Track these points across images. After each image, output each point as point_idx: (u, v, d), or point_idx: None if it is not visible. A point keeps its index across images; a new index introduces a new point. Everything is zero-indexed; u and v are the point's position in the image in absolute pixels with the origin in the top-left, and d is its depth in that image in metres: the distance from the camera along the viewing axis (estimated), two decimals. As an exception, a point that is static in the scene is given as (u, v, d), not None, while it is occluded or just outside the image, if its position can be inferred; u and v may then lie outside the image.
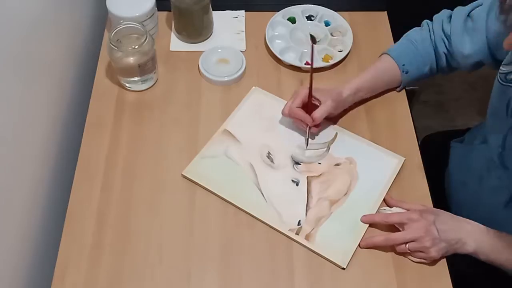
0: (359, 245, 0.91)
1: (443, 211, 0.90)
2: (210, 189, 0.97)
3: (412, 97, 1.08)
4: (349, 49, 1.16)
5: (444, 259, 0.90)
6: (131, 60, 1.05)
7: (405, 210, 0.91)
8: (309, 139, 1.02)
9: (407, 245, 0.87)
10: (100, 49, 1.18)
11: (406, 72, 1.05)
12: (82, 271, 0.89)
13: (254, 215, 0.94)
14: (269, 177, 0.99)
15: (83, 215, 0.94)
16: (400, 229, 0.90)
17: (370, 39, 1.21)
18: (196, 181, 0.97)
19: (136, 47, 1.02)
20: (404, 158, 1.01)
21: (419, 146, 1.04)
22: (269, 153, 1.02)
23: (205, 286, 0.88)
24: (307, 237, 0.92)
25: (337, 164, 1.01)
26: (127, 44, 1.05)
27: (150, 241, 0.92)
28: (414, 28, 1.09)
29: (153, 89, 1.12)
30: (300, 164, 1.01)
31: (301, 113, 0.99)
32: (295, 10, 1.23)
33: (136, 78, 1.08)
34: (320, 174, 1.00)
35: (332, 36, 1.19)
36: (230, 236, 0.93)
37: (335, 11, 1.22)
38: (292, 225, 0.93)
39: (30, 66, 0.95)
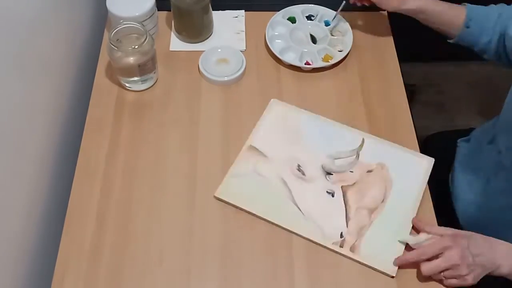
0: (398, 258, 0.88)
1: (475, 233, 0.87)
2: (245, 208, 0.94)
3: (412, 97, 1.07)
4: (349, 49, 1.16)
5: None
6: (131, 60, 1.04)
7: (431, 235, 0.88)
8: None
9: (442, 273, 0.85)
10: (100, 49, 1.18)
11: (468, 27, 1.02)
12: (82, 271, 0.89)
13: (294, 231, 0.92)
14: (303, 191, 0.96)
15: (83, 215, 0.94)
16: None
17: (370, 39, 1.21)
18: (230, 201, 0.95)
19: (136, 47, 1.02)
20: (433, 159, 0.99)
21: (421, 146, 1.04)
22: (299, 165, 0.99)
23: (205, 286, 0.88)
24: (352, 249, 0.90)
25: (369, 171, 0.99)
26: (127, 44, 1.05)
27: (150, 241, 0.92)
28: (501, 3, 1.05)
29: (153, 89, 1.12)
30: (332, 174, 0.98)
31: None
32: (295, 10, 1.23)
33: (136, 78, 1.08)
34: (354, 183, 0.97)
35: (332, 36, 1.19)
36: (230, 236, 0.93)
37: (335, 11, 1.22)
38: (335, 238, 0.91)
39: (30, 66, 0.95)
